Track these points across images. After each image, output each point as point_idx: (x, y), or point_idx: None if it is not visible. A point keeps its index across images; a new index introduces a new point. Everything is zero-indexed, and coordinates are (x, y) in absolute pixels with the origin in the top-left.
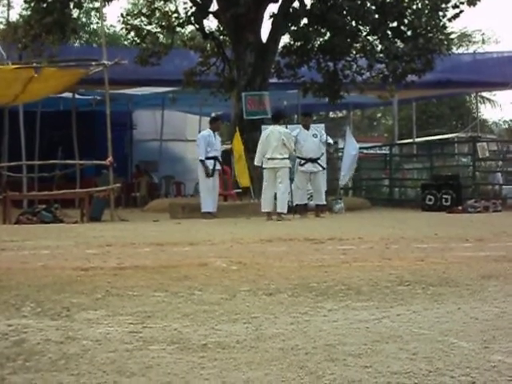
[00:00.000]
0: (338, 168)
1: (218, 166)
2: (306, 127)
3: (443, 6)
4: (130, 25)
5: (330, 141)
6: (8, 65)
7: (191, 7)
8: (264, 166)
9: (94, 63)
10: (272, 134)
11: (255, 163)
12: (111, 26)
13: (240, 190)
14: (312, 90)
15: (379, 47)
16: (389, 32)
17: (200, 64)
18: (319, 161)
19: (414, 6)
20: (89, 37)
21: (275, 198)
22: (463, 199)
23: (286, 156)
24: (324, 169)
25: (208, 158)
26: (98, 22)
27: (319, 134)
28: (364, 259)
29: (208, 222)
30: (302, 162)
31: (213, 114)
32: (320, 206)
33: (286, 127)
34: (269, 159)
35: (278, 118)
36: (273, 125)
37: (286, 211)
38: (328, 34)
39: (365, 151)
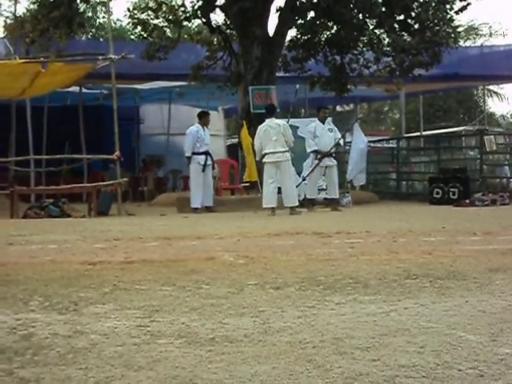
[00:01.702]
0: (346, 161)
1: (210, 161)
2: (322, 120)
3: None
4: (137, 19)
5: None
6: (15, 59)
7: (198, 1)
8: (264, 160)
9: (101, 57)
10: (270, 128)
11: (257, 159)
12: (118, 20)
13: (247, 184)
14: (319, 84)
15: (386, 40)
16: (396, 25)
17: (207, 58)
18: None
19: None
20: (95, 31)
21: (279, 193)
22: (471, 192)
23: (287, 149)
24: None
25: (199, 154)
26: (104, 17)
27: (333, 128)
28: (371, 253)
29: (213, 216)
30: (319, 156)
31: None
32: (335, 200)
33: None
34: (269, 153)
35: (273, 110)
36: (268, 118)
37: (297, 204)
38: (335, 28)
39: (372, 145)
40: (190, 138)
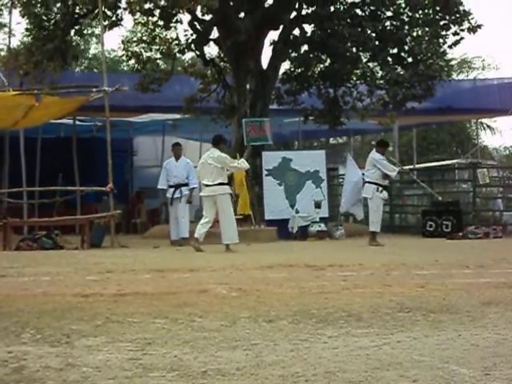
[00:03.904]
0: (339, 194)
1: (178, 194)
2: (383, 154)
3: (443, 33)
4: (131, 51)
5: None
6: (9, 91)
7: (192, 34)
8: (201, 193)
9: (94, 90)
10: (208, 159)
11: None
12: (112, 50)
13: (240, 217)
14: (313, 117)
15: (379, 73)
16: (389, 58)
17: (200, 90)
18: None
19: (414, 33)
20: (89, 62)
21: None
22: (464, 225)
23: (225, 181)
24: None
25: (169, 187)
26: (96, 48)
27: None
28: (364, 286)
29: (205, 248)
30: (381, 188)
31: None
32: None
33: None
34: (206, 186)
35: (218, 141)
36: (212, 148)
37: (235, 241)
38: (328, 61)
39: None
40: (162, 171)
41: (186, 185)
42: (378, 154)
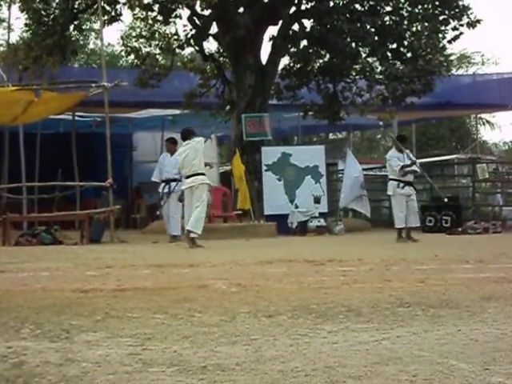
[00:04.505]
0: (338, 190)
1: (167, 190)
2: (400, 150)
3: (443, 28)
4: (130, 47)
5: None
6: (8, 87)
7: (191, 29)
8: (182, 186)
9: (93, 85)
10: (188, 150)
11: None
12: (110, 44)
13: (240, 212)
14: (312, 112)
15: (379, 68)
16: (388, 53)
17: (200, 86)
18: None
19: (414, 28)
20: (87, 57)
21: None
22: (463, 220)
23: (203, 171)
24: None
25: (162, 182)
26: (95, 42)
27: (409, 155)
28: (364, 281)
29: (206, 244)
30: (402, 184)
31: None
32: (413, 228)
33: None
34: (186, 178)
35: (186, 135)
36: (184, 142)
37: (197, 232)
38: (328, 56)
39: (365, 173)
40: (157, 165)
41: (177, 180)
42: (394, 150)
